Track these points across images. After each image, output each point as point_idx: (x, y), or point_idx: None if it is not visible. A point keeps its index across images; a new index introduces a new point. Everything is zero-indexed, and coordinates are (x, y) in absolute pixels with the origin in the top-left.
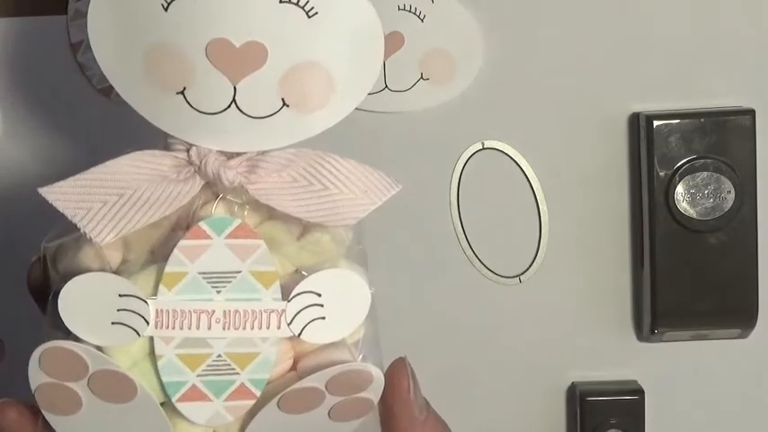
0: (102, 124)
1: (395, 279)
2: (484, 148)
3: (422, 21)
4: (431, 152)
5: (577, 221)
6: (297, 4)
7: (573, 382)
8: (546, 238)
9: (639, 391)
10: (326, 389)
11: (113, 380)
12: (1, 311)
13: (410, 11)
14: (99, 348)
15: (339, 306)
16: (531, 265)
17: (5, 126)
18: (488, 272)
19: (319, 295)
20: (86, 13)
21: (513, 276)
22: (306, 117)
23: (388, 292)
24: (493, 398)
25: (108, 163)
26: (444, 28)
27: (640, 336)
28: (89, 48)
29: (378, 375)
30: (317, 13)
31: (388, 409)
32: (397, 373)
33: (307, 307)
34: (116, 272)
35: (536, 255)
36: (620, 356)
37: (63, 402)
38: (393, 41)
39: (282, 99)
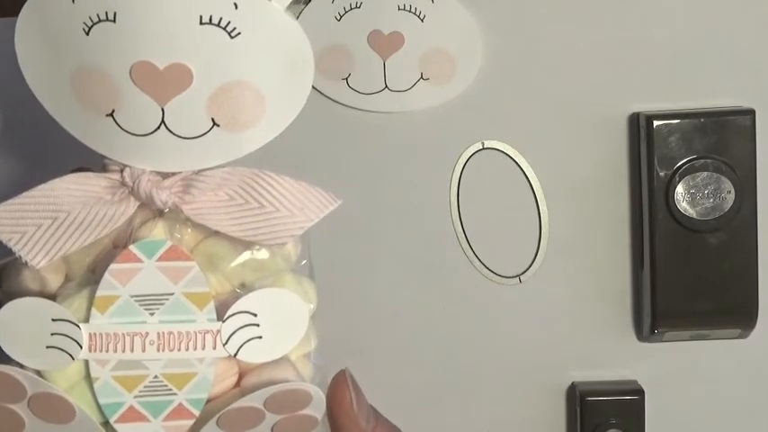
0: None
1: (395, 279)
2: (484, 148)
3: (422, 21)
4: (431, 152)
5: (577, 221)
6: (218, 25)
7: (573, 382)
8: (546, 238)
9: (639, 391)
10: (265, 407)
11: (52, 402)
12: None
13: (410, 11)
14: (38, 371)
15: (276, 325)
16: (531, 265)
17: (4, 126)
18: (488, 272)
19: (255, 315)
20: None
21: (513, 276)
22: (237, 136)
23: (387, 293)
24: (493, 398)
25: (42, 186)
26: (444, 28)
27: (640, 336)
28: None
29: (316, 393)
30: (239, 33)
31: (335, 422)
32: (339, 387)
33: (242, 327)
34: (57, 293)
35: (536, 255)
36: (620, 356)
37: (6, 423)
38: (393, 41)
39: (212, 119)
